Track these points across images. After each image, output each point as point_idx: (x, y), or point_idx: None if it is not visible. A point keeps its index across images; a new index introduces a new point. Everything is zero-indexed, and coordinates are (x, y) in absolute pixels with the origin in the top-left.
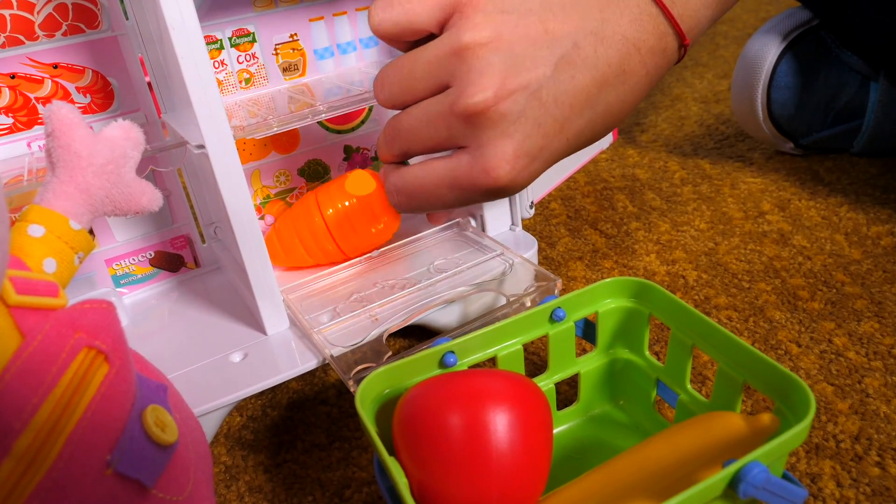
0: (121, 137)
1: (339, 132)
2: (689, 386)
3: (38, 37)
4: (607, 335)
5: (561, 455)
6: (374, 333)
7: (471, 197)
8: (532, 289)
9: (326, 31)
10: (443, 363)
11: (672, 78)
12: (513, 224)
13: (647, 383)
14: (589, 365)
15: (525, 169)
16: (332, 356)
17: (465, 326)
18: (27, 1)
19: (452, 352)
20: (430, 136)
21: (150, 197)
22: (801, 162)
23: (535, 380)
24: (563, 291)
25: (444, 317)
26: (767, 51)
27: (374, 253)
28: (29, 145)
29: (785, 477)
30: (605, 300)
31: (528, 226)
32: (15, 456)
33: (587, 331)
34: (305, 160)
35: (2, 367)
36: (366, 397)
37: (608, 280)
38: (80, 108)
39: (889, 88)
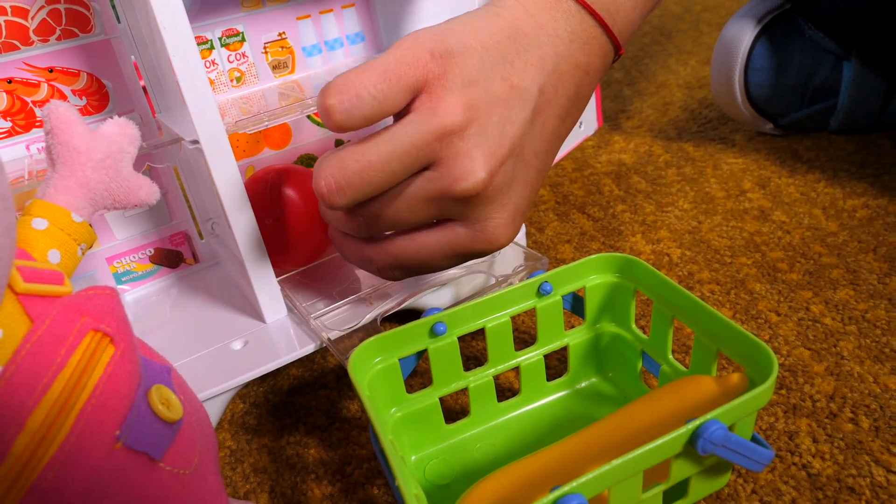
0: (117, 133)
1: None
2: (670, 356)
3: (32, 42)
4: (594, 309)
5: (550, 424)
6: (369, 317)
7: (467, 259)
8: (521, 268)
9: (314, 29)
10: (433, 332)
11: (657, 66)
12: None
13: (633, 355)
14: (577, 338)
15: (521, 223)
16: (329, 340)
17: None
18: (21, 7)
19: (442, 322)
20: (416, 219)
21: (148, 190)
22: (780, 141)
23: (525, 351)
24: None
25: (436, 299)
26: (743, 34)
27: None
28: (27, 148)
29: (754, 439)
30: (592, 276)
31: None
32: (29, 431)
33: (575, 305)
34: (298, 155)
35: (14, 348)
36: (358, 364)
37: (594, 256)
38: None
39: (861, 68)
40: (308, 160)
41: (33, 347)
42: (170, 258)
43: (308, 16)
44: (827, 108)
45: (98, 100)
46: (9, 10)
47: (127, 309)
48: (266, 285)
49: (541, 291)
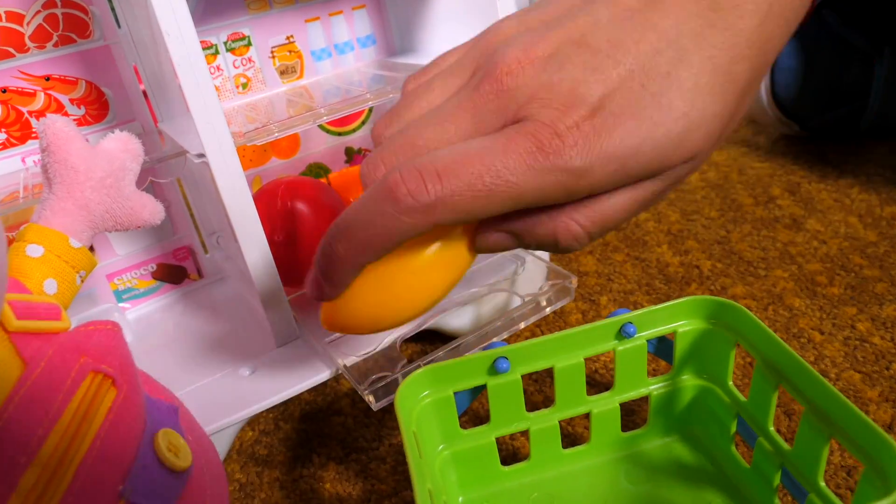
0: (119, 149)
1: (339, 134)
2: (771, 428)
3: (28, 49)
4: (682, 357)
5: (623, 480)
6: (387, 340)
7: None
8: (546, 287)
9: (323, 32)
10: (493, 368)
11: None
12: None
13: (727, 416)
14: (661, 388)
15: (593, 125)
16: (345, 366)
17: (483, 327)
18: (16, 12)
19: (505, 358)
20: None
21: (152, 210)
22: (807, 144)
23: (599, 397)
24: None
25: (456, 319)
26: None
27: None
28: (23, 160)
29: None
30: (682, 320)
31: None
32: (21, 493)
33: (661, 349)
34: (307, 164)
35: (4, 398)
36: (406, 396)
37: (686, 299)
38: (74, 120)
39: (894, 65)
40: (317, 170)
41: (26, 394)
42: (173, 274)
43: (317, 18)
44: (856, 108)
45: (97, 109)
46: (3, 15)
47: (128, 328)
48: (276, 306)
49: (622, 333)
